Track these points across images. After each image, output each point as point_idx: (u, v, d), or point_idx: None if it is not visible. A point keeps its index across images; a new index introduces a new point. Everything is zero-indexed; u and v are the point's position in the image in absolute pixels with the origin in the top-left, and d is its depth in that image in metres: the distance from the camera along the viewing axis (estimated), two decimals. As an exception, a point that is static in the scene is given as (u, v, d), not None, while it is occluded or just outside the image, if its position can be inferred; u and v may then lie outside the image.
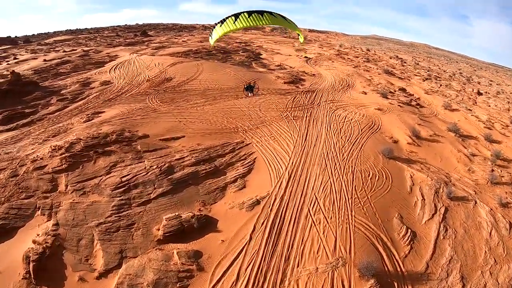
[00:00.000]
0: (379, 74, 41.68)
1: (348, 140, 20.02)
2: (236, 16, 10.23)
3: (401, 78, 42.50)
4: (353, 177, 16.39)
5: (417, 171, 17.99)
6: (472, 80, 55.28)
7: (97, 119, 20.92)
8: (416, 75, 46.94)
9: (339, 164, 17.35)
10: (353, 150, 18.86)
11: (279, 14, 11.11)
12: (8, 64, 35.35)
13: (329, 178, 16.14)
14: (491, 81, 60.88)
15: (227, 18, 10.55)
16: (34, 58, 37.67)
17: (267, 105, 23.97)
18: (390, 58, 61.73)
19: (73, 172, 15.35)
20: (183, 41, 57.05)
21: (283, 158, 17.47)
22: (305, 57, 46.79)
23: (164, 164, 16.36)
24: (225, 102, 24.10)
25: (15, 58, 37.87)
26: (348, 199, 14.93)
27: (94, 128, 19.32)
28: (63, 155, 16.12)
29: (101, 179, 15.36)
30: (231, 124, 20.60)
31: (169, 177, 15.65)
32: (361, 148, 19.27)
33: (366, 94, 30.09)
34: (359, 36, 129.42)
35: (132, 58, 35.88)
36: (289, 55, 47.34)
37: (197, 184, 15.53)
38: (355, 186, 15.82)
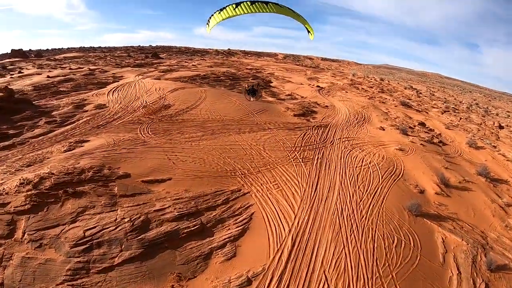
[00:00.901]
0: (395, 106, 37.47)
1: (367, 191, 15.83)
2: (238, 4, 8.67)
3: (418, 110, 38.20)
4: (374, 246, 12.21)
5: (449, 232, 13.78)
6: (490, 111, 50.55)
7: (79, 149, 17.34)
8: (434, 107, 42.59)
9: (357, 225, 13.18)
10: (373, 206, 14.67)
11: (286, 6, 9.40)
12: (12, 77, 32.60)
13: (344, 247, 11.98)
14: (508, 112, 55.97)
15: (227, 6, 9.00)
16: (38, 74, 34.96)
17: (273, 143, 19.99)
18: (405, 88, 57.51)
19: (36, 215, 11.87)
20: (193, 65, 54.18)
21: (287, 214, 13.41)
22: (318, 86, 42.95)
23: (139, 217, 12.52)
24: (225, 137, 20.22)
25: (20, 72, 35.31)
26: (368, 279, 10.76)
27: (72, 161, 15.78)
28: (30, 192, 12.68)
29: (64, 229, 11.78)
30: (229, 166, 16.66)
31: (141, 236, 11.75)
32: (382, 202, 15.08)
33: (384, 130, 25.88)
34: (371, 65, 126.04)
35: (134, 80, 32.68)
36: (301, 84, 43.57)
37: (175, 248, 11.55)
38: (376, 259, 11.62)
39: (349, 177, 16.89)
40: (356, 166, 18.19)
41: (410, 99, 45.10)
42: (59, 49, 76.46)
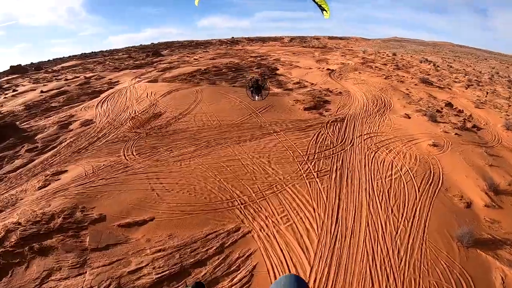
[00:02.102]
0: (415, 85, 32.02)
1: (402, 215, 11.45)
2: None
3: (441, 87, 32.60)
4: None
5: (508, 268, 9.38)
6: (515, 81, 43.95)
7: (54, 184, 13.79)
8: (456, 82, 36.72)
9: (394, 277, 8.93)
10: (413, 239, 10.38)
11: None
12: (5, 97, 29.21)
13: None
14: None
15: None
16: (33, 90, 31.25)
17: (280, 152, 15.62)
18: (421, 62, 51.14)
19: (-1, 282, 8.57)
20: (194, 59, 49.25)
21: (299, 265, 9.33)
22: (328, 69, 37.70)
23: (109, 284, 8.89)
24: (221, 150, 16.04)
25: (14, 90, 31.69)
26: None
27: (43, 202, 12.51)
28: (-6, 253, 9.38)
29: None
30: (225, 193, 12.56)
31: (104, 321, 8.10)
32: (424, 231, 10.76)
33: (410, 117, 20.96)
34: (380, 39, 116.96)
35: (127, 86, 28.58)
36: (309, 68, 38.23)
37: (149, 337, 7.82)
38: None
39: (378, 195, 12.45)
40: (386, 176, 13.67)
41: (429, 75, 39.26)
42: (60, 58, 72.94)
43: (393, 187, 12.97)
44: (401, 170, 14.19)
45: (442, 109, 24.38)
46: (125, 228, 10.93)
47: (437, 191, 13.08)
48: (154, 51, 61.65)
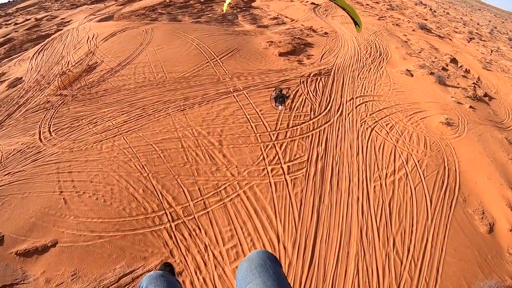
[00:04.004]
0: (413, 30, 26.56)
1: (408, 252, 7.17)
2: None
3: (441, 36, 27.44)
4: None
5: None
6: (514, 38, 39.57)
7: None
8: (456, 31, 31.60)
9: None
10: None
11: None
12: None
13: None
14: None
15: None
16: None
17: (238, 126, 10.41)
18: (416, 4, 44.73)
19: None
20: None
21: None
22: (312, 3, 30.81)
23: None
24: (158, 121, 10.72)
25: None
26: None
27: None
28: None
29: None
30: (151, 200, 7.79)
31: None
32: (437, 280, 6.52)
33: (412, 75, 16.03)
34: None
35: (72, 28, 21.28)
36: (291, 1, 30.95)
37: None
38: None
39: (376, 212, 8.00)
40: (387, 175, 9.07)
41: (426, 20, 33.60)
42: None
43: (397, 196, 8.48)
44: (406, 163, 9.62)
45: (447, 66, 19.56)
46: (23, 258, 6.16)
47: (454, 203, 8.86)
48: None
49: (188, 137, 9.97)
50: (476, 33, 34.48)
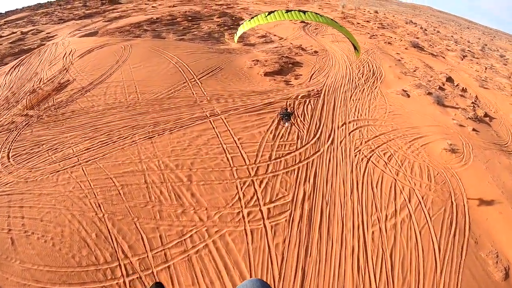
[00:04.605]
0: (406, 49, 25.76)
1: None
2: (271, 12, 5.79)
3: (434, 55, 26.68)
4: None
5: None
6: (505, 57, 39.23)
7: None
8: (449, 49, 31.00)
9: None
10: None
11: (326, 16, 5.97)
12: None
13: None
14: (520, 55, 44.63)
15: (258, 14, 5.86)
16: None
17: (212, 158, 8.96)
18: (406, 23, 44.61)
19: None
20: (152, 6, 40.34)
21: None
22: (302, 21, 30.07)
23: None
24: (121, 150, 9.31)
25: None
26: None
27: None
28: None
29: None
30: (104, 248, 6.43)
31: None
32: None
33: (409, 96, 14.83)
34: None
35: (52, 43, 20.35)
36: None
37: None
38: None
39: (375, 267, 6.48)
40: (387, 218, 7.58)
41: (418, 38, 33.02)
42: (12, 11, 57.51)
43: (399, 243, 6.98)
44: (409, 201, 8.15)
45: (443, 84, 18.52)
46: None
47: (465, 247, 7.42)
48: None
49: (153, 170, 8.48)
50: (468, 50, 33.98)
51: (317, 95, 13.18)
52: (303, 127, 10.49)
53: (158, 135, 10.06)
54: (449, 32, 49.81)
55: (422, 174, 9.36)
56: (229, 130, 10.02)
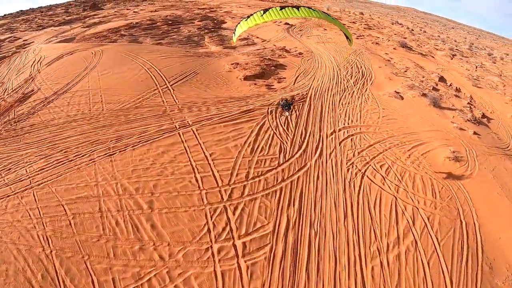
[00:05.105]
0: (394, 49, 24.81)
1: None
2: (266, 10, 6.23)
3: (423, 54, 25.83)
4: None
5: None
6: (493, 55, 38.89)
7: None
8: (437, 49, 30.30)
9: None
10: None
11: (320, 11, 6.33)
12: None
13: None
14: (506, 54, 44.53)
15: (255, 13, 6.37)
16: None
17: (178, 179, 7.52)
18: (392, 24, 44.06)
19: None
20: (134, 12, 39.00)
21: None
22: (286, 23, 29.04)
23: None
24: (77, 171, 7.80)
25: None
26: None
27: None
28: None
29: None
30: None
31: None
32: None
33: (403, 98, 13.63)
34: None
35: (24, 50, 18.81)
36: (264, 22, 28.87)
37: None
38: None
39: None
40: (389, 248, 6.23)
41: (405, 38, 32.25)
42: None
43: (405, 280, 5.65)
44: (413, 224, 6.85)
45: (437, 85, 17.48)
46: None
47: (479, 276, 6.19)
48: (92, 4, 48.25)
49: (110, 195, 6.99)
50: (457, 49, 33.40)
51: (302, 100, 11.86)
52: (287, 138, 9.11)
53: (120, 151, 8.57)
54: (435, 32, 49.54)
55: (425, 189, 8.07)
56: (200, 144, 8.58)
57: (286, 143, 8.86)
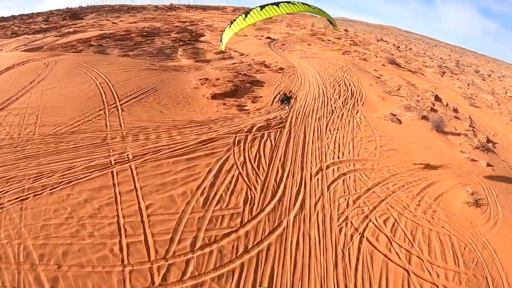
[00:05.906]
0: (383, 65, 23.19)
1: None
2: (247, 13, 6.32)
3: (412, 71, 24.38)
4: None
5: None
6: (480, 72, 38.28)
7: None
8: (426, 66, 29.11)
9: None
10: None
11: (300, 2, 6.51)
12: None
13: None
14: (491, 71, 44.23)
15: (237, 17, 6.48)
16: None
17: (96, 242, 5.00)
18: (378, 41, 43.18)
19: None
20: (113, 23, 37.33)
21: None
22: (268, 37, 27.26)
23: None
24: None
25: None
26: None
27: None
28: None
29: None
30: None
31: None
32: None
33: (401, 122, 11.59)
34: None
35: None
36: (245, 36, 26.72)
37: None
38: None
39: None
40: None
41: (392, 54, 30.95)
42: None
43: None
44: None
45: (434, 105, 15.68)
46: None
47: None
48: (72, 14, 46.26)
49: (8, 263, 4.60)
50: (445, 66, 32.30)
51: (280, 125, 9.61)
52: (256, 180, 6.76)
53: (34, 195, 6.11)
54: (421, 49, 49.07)
55: (444, 253, 5.83)
56: (136, 190, 6.13)
57: (255, 188, 6.50)
